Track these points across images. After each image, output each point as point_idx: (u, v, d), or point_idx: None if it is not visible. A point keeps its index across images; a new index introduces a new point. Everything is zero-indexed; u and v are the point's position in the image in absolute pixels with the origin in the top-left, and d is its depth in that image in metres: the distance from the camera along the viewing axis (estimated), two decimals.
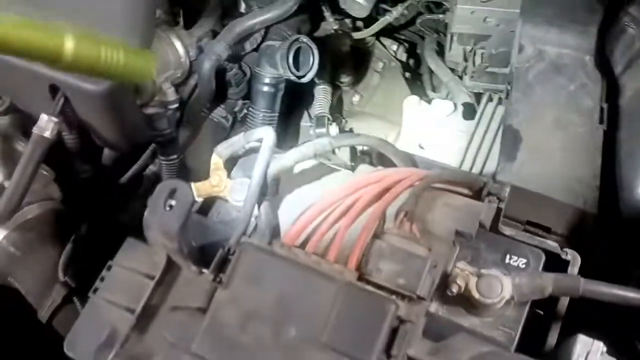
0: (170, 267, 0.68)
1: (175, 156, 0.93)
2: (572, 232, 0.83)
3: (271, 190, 0.67)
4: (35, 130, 0.80)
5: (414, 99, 1.17)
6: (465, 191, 0.68)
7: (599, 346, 0.60)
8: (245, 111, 1.14)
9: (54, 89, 0.81)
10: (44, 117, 0.81)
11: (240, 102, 1.13)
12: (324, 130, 1.13)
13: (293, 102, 1.17)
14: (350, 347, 0.54)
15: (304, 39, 0.94)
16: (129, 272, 0.70)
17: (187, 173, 0.97)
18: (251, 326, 0.58)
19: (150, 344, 0.64)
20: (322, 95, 1.17)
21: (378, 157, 0.70)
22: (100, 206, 0.95)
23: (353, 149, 0.70)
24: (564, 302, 0.65)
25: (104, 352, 0.65)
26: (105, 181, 0.99)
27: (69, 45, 0.29)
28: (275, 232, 0.64)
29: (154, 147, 0.96)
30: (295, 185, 0.69)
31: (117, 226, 0.95)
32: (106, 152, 0.96)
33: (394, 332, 0.55)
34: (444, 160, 1.04)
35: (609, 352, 0.61)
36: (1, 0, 0.81)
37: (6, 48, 0.28)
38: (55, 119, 0.81)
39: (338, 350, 0.55)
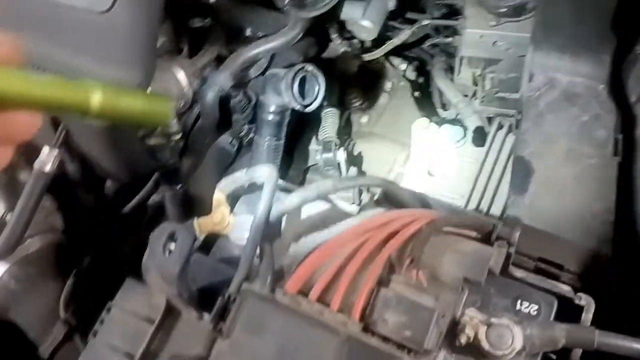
0: (170, 310, 0.66)
1: (178, 186, 0.92)
2: (585, 270, 0.80)
3: (274, 232, 0.65)
4: (36, 164, 0.79)
5: (423, 121, 1.15)
6: (474, 234, 0.65)
7: None
8: (251, 135, 1.12)
9: (55, 122, 0.80)
10: (45, 150, 0.80)
11: (246, 126, 1.12)
12: (330, 155, 1.11)
13: (300, 125, 1.16)
14: None
15: (310, 67, 0.92)
16: (128, 315, 0.68)
17: (191, 202, 0.96)
18: None
19: None
20: (329, 118, 1.15)
21: (384, 195, 0.68)
22: (103, 236, 0.93)
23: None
24: (577, 352, 0.63)
25: None
26: (108, 211, 0.98)
27: (96, 99, 0.30)
28: (278, 274, 0.62)
29: (157, 177, 0.95)
30: (299, 227, 0.67)
31: (119, 258, 0.94)
32: (109, 181, 0.94)
33: None
34: (453, 190, 1.02)
35: None
36: None
37: (38, 106, 0.30)
38: (56, 152, 0.80)
39: None
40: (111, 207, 0.95)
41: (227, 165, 1.11)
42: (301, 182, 1.14)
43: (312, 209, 0.68)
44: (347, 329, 0.56)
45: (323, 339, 0.55)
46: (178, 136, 0.87)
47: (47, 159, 0.79)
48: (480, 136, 1.08)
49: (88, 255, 0.89)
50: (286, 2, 0.81)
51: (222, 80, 0.85)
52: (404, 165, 1.21)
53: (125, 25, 0.75)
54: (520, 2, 1.03)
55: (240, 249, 0.73)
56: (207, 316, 0.65)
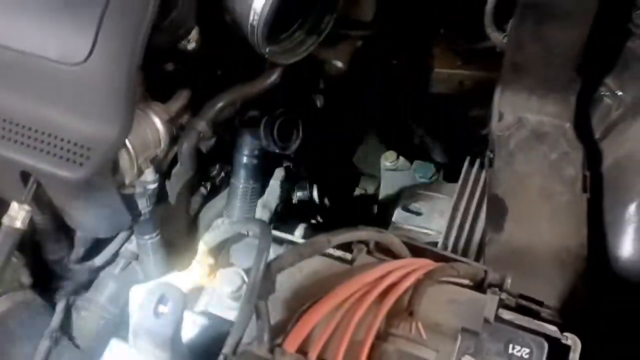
0: None
1: (154, 234, 0.89)
2: (565, 304, 0.83)
3: (268, 287, 0.63)
4: (5, 220, 0.75)
5: (391, 154, 1.18)
6: (466, 281, 0.66)
7: None
8: (222, 175, 1.11)
9: (25, 176, 0.76)
10: (14, 206, 0.76)
11: (217, 166, 1.11)
12: (306, 192, 1.11)
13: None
14: None
15: (288, 112, 0.92)
16: None
17: (165, 250, 0.93)
18: None
19: None
20: None
21: (375, 245, 0.68)
22: (74, 288, 0.89)
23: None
24: None
25: None
26: (78, 261, 0.94)
27: None
28: (275, 330, 0.61)
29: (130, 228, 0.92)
30: (293, 281, 0.66)
31: (93, 310, 0.90)
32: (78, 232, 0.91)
33: None
34: (431, 226, 1.04)
35: None
36: None
37: None
38: (27, 208, 0.76)
39: None
40: (82, 256, 0.91)
41: (199, 208, 1.09)
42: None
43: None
44: None
45: None
46: (154, 185, 0.84)
47: (17, 214, 0.76)
48: (452, 172, 1.11)
49: (60, 312, 0.84)
50: (268, 49, 0.80)
51: (201, 127, 0.83)
52: (375, 195, 1.23)
53: (102, 77, 0.73)
54: (482, 47, 1.07)
55: (228, 303, 0.71)
56: None
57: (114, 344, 0.68)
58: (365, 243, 0.68)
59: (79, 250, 0.93)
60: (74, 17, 0.73)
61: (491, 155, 0.96)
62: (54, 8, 0.74)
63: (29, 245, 0.89)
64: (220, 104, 0.86)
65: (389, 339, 0.60)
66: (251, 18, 0.77)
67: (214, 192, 1.12)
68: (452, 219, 0.98)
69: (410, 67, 1.18)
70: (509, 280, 0.66)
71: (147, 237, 0.89)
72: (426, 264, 0.65)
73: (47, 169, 0.73)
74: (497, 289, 0.65)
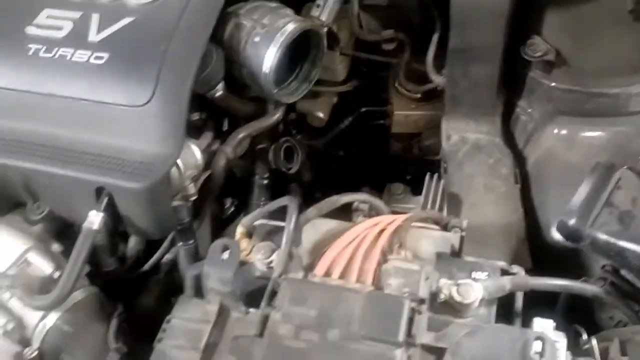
0: (223, 310, 0.86)
1: (192, 241, 1.12)
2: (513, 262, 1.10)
3: (297, 239, 0.88)
4: (85, 224, 0.97)
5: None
6: (436, 226, 0.93)
7: (550, 323, 0.83)
8: (233, 208, 1.36)
9: (99, 191, 0.99)
10: (92, 213, 0.98)
11: (229, 200, 1.36)
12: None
13: None
14: (382, 335, 0.74)
15: (290, 139, 1.22)
16: (187, 322, 0.86)
17: (199, 256, 1.15)
18: (303, 334, 0.76)
19: None
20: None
21: (368, 210, 0.95)
22: (130, 290, 1.10)
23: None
24: (519, 299, 0.89)
25: None
26: (126, 271, 1.15)
27: None
28: (305, 269, 0.85)
29: (172, 236, 1.15)
30: (313, 237, 0.91)
31: (145, 309, 1.10)
32: (131, 241, 1.13)
33: (410, 320, 0.76)
34: None
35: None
36: None
37: None
38: (101, 214, 0.98)
39: (373, 339, 0.75)
40: (135, 264, 1.13)
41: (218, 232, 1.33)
42: None
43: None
44: (366, 290, 0.80)
45: (350, 297, 0.78)
46: (194, 198, 1.09)
47: (95, 219, 0.97)
48: (416, 187, 1.39)
49: (119, 306, 1.04)
50: (275, 91, 1.11)
51: (228, 151, 1.11)
52: None
53: (161, 114, 0.97)
54: (428, 89, 1.41)
55: (261, 271, 0.95)
56: (252, 310, 0.85)
57: (182, 298, 0.90)
58: (362, 210, 0.95)
59: (129, 261, 1.14)
60: (138, 70, 1.00)
61: (445, 165, 1.26)
62: (122, 66, 1.01)
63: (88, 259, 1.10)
64: (241, 135, 1.14)
65: (387, 261, 0.85)
66: (264, 68, 1.07)
67: (227, 221, 1.37)
68: None
69: (376, 113, 1.51)
70: (465, 221, 0.93)
71: (188, 243, 1.12)
72: (405, 216, 0.92)
73: (119, 182, 0.96)
74: (458, 229, 0.92)
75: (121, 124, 1.00)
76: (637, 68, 1.11)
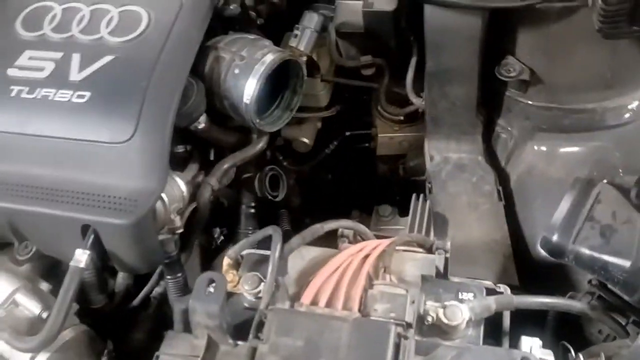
0: (211, 345, 0.86)
1: (180, 274, 1.12)
2: (499, 281, 1.10)
3: (283, 268, 0.89)
4: (72, 262, 0.97)
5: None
6: (420, 249, 0.94)
7: (537, 342, 0.84)
8: (222, 238, 1.37)
9: (85, 228, 0.99)
10: (79, 251, 0.98)
11: (217, 230, 1.37)
12: None
13: None
14: None
15: (275, 167, 1.23)
16: (174, 357, 0.86)
17: (187, 287, 1.15)
18: None
19: None
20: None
21: (353, 236, 0.96)
22: (119, 327, 1.09)
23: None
24: (507, 317, 0.89)
25: None
26: (116, 308, 1.15)
27: None
28: (292, 298, 0.85)
29: (160, 270, 1.15)
30: (299, 265, 0.92)
31: (135, 344, 1.10)
32: (119, 277, 1.13)
33: (397, 346, 0.76)
34: None
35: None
36: None
37: None
38: (88, 252, 0.98)
39: None
40: (124, 299, 1.12)
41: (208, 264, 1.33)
42: None
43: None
44: (352, 317, 0.80)
45: (337, 326, 0.78)
46: (180, 231, 1.10)
47: (81, 257, 0.97)
48: (403, 209, 1.41)
49: (111, 340, 1.04)
50: (257, 120, 1.12)
51: (213, 182, 1.12)
52: None
53: (144, 149, 0.98)
54: (410, 111, 1.44)
55: (249, 301, 0.95)
56: (240, 343, 0.85)
57: (170, 334, 0.90)
58: (346, 236, 0.96)
59: (117, 297, 1.14)
60: (120, 107, 1.01)
61: (430, 185, 1.28)
62: (103, 104, 1.02)
63: (77, 297, 1.10)
64: (225, 166, 1.15)
65: (373, 287, 0.86)
66: (245, 98, 1.09)
67: (216, 251, 1.37)
68: None
69: (360, 136, 1.53)
70: (449, 243, 0.94)
71: (176, 277, 1.12)
72: (389, 240, 0.93)
73: (104, 219, 0.97)
74: (442, 250, 0.93)
75: (105, 161, 1.01)
76: (610, 83, 1.13)
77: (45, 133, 1.02)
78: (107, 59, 1.07)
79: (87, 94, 1.03)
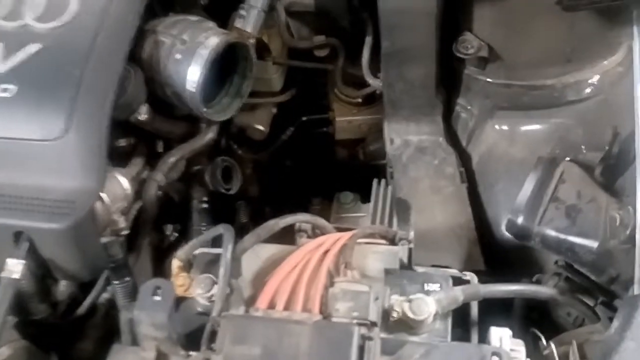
0: (160, 358, 0.79)
1: (128, 278, 1.04)
2: (465, 266, 1.07)
3: (237, 270, 0.82)
4: (4, 274, 0.88)
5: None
6: (383, 241, 0.89)
7: (507, 332, 0.80)
8: (175, 234, 1.29)
9: (17, 236, 0.91)
10: (11, 261, 0.89)
11: (170, 226, 1.29)
12: None
13: None
14: None
15: (227, 159, 1.15)
16: None
17: (136, 292, 1.07)
18: None
19: None
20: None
21: (311, 230, 0.90)
22: (64, 337, 1.01)
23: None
24: (474, 307, 0.86)
25: None
26: (60, 317, 1.06)
27: None
28: (247, 302, 0.79)
29: (107, 275, 1.06)
30: (254, 265, 0.85)
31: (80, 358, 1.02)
32: (61, 285, 1.04)
33: (361, 349, 0.71)
34: None
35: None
36: None
37: None
38: (22, 262, 0.90)
39: None
40: (63, 312, 1.04)
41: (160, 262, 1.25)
42: None
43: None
44: (312, 319, 0.74)
45: (296, 331, 0.72)
46: (126, 232, 1.01)
47: (15, 268, 0.89)
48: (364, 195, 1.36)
49: (55, 354, 0.95)
50: (204, 109, 1.04)
51: (159, 178, 1.04)
52: None
53: (78, 146, 0.90)
54: (367, 93, 1.38)
55: (203, 306, 0.88)
56: (193, 354, 0.78)
57: (116, 347, 0.82)
58: (305, 230, 0.90)
59: (61, 306, 1.05)
60: (50, 101, 0.92)
61: (391, 170, 1.23)
62: (32, 98, 0.93)
63: (15, 308, 1.01)
64: (172, 159, 1.07)
65: (334, 285, 0.80)
66: (188, 86, 1.01)
67: (169, 249, 1.29)
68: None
69: (317, 121, 1.47)
70: (412, 233, 0.89)
71: (123, 281, 1.04)
72: (350, 234, 0.87)
73: (38, 225, 0.89)
74: (405, 241, 0.88)
75: (36, 161, 0.92)
76: (569, 57, 1.10)
77: None
78: (34, 47, 0.97)
79: (13, 87, 0.94)
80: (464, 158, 1.22)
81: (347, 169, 1.52)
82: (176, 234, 1.29)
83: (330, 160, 1.54)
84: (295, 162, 1.60)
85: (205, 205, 1.18)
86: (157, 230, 1.26)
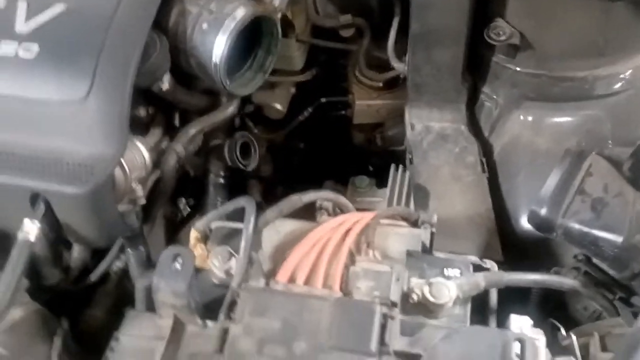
0: (177, 325, 0.78)
1: (143, 248, 1.03)
2: (483, 255, 1.06)
3: (256, 243, 0.81)
4: (20, 234, 0.87)
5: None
6: (404, 223, 0.87)
7: (527, 321, 0.79)
8: (188, 209, 1.28)
9: (34, 198, 0.90)
10: (27, 222, 0.88)
11: (183, 200, 1.27)
12: None
13: None
14: (352, 344, 0.68)
15: (246, 134, 1.14)
16: (137, 339, 0.78)
17: (152, 264, 1.07)
18: (267, 349, 0.69)
19: None
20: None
21: (332, 208, 0.89)
22: (76, 303, 1.01)
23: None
24: (494, 296, 0.84)
25: None
26: (72, 284, 1.05)
27: None
28: (267, 275, 0.78)
29: (120, 244, 1.05)
30: (274, 239, 0.84)
31: (93, 322, 1.01)
32: (75, 251, 1.03)
33: (383, 327, 0.70)
34: None
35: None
36: None
37: None
38: (38, 224, 0.89)
39: (343, 349, 0.68)
40: (81, 275, 1.03)
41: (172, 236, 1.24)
42: None
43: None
44: (334, 296, 0.73)
45: (317, 306, 0.71)
46: (142, 201, 1.00)
47: (30, 229, 0.88)
48: (380, 180, 1.34)
49: (66, 319, 0.95)
50: (228, 82, 1.02)
51: (178, 149, 1.02)
52: None
53: (100, 110, 0.88)
54: (389, 77, 1.36)
55: (218, 278, 0.87)
56: (210, 324, 0.77)
57: (131, 313, 0.81)
58: (326, 209, 0.89)
59: (74, 272, 1.05)
60: (73, 62, 0.91)
61: (410, 156, 1.21)
62: (54, 58, 0.92)
63: (28, 272, 1.00)
64: (193, 131, 1.05)
65: (355, 263, 0.79)
66: (214, 57, 0.99)
67: (182, 224, 1.28)
68: None
69: (336, 103, 1.45)
70: (435, 216, 0.88)
71: (136, 250, 1.03)
72: (372, 214, 0.86)
73: (56, 188, 0.87)
74: (428, 224, 0.87)
75: (56, 123, 0.90)
76: (602, 50, 1.08)
77: None
78: (58, 8, 0.95)
79: (36, 47, 0.92)
80: (485, 148, 1.20)
81: (362, 154, 1.50)
82: (189, 209, 1.28)
83: (346, 144, 1.52)
84: (311, 144, 1.58)
85: (221, 181, 1.16)
86: (171, 204, 1.25)
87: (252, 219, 0.78)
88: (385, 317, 0.71)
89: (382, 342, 0.69)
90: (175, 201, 1.26)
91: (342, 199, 0.88)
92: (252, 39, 1.10)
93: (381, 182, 1.34)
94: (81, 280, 1.06)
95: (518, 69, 1.13)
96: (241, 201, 0.84)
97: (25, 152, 0.89)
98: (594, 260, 0.93)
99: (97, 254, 1.09)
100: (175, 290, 0.75)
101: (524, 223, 1.09)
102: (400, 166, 1.32)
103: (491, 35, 1.07)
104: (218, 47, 0.99)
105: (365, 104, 1.38)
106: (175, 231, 1.25)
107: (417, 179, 1.16)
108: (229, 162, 1.12)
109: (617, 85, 1.10)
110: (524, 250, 1.09)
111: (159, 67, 1.00)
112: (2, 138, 0.90)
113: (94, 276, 1.05)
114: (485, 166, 1.17)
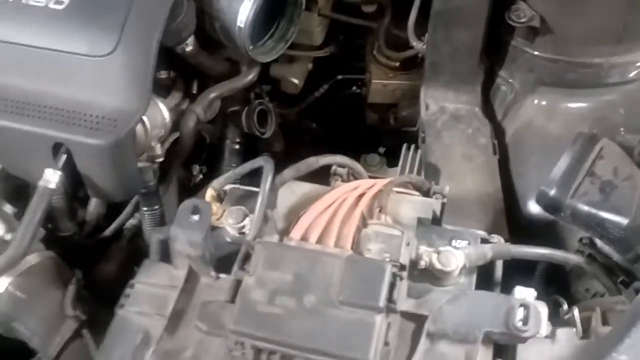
0: (191, 275, 0.80)
1: (157, 206, 1.05)
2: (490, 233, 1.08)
3: (272, 201, 0.83)
4: (41, 182, 0.89)
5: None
6: (416, 192, 0.89)
7: (532, 292, 0.81)
8: (201, 176, 1.30)
9: (56, 148, 0.92)
10: (49, 171, 0.90)
11: (197, 167, 1.30)
12: None
13: None
14: (361, 300, 0.71)
15: (264, 101, 1.15)
16: (151, 287, 0.80)
17: (164, 220, 1.09)
18: (278, 300, 0.72)
19: (185, 336, 0.75)
20: None
21: (347, 175, 0.91)
22: (90, 256, 1.03)
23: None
24: (499, 268, 0.86)
25: (141, 352, 0.74)
26: (86, 237, 1.08)
27: None
28: (280, 233, 0.80)
29: (134, 202, 1.08)
30: (289, 200, 0.86)
31: (103, 278, 1.04)
32: (91, 205, 1.05)
33: (392, 285, 0.72)
34: None
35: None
36: None
37: None
38: (59, 172, 0.91)
39: (352, 304, 0.71)
40: (95, 230, 1.06)
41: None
42: None
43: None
44: (345, 254, 0.75)
45: (328, 262, 0.74)
46: (161, 159, 1.02)
47: (52, 177, 0.90)
48: (392, 159, 1.36)
49: (80, 271, 0.97)
50: (251, 47, 1.04)
51: (198, 110, 1.04)
52: None
53: (125, 65, 0.90)
54: (408, 56, 1.37)
55: (232, 237, 0.89)
56: (223, 276, 0.80)
57: (147, 262, 0.84)
58: (340, 175, 0.91)
59: (88, 227, 1.07)
60: (102, 16, 0.92)
61: (423, 135, 1.23)
62: (84, 12, 0.93)
63: (45, 222, 1.02)
64: (212, 95, 1.07)
65: (367, 226, 0.81)
66: (238, 21, 1.01)
67: (195, 189, 1.30)
68: None
69: (352, 81, 1.46)
70: (447, 187, 0.90)
71: (152, 208, 1.05)
72: (386, 180, 0.88)
73: (79, 138, 0.89)
74: (440, 195, 0.89)
75: (82, 75, 0.92)
76: (621, 37, 1.09)
77: (17, 40, 0.93)
78: None
79: None
80: (498, 131, 1.22)
81: (375, 133, 1.52)
82: (201, 175, 1.30)
83: (359, 122, 1.54)
84: (324, 121, 1.60)
85: (237, 147, 1.18)
86: (186, 169, 1.27)
87: (270, 177, 0.80)
88: (394, 276, 0.73)
89: (390, 299, 0.71)
90: (189, 167, 1.28)
91: (358, 166, 0.90)
92: (275, 8, 1.12)
93: (392, 162, 1.36)
94: (95, 234, 1.09)
95: (536, 52, 1.14)
96: (260, 161, 0.86)
97: (51, 103, 0.91)
98: (598, 244, 0.95)
99: (111, 212, 1.12)
100: (192, 240, 0.78)
101: (532, 206, 1.10)
102: (413, 145, 1.34)
103: (512, 17, 1.08)
104: (243, 12, 1.01)
105: (381, 84, 1.40)
106: (187, 195, 1.27)
107: (429, 158, 1.18)
108: (245, 129, 1.14)
109: (633, 74, 1.11)
110: (530, 233, 1.10)
111: (185, 27, 1.01)
112: (28, 88, 0.92)
113: (108, 231, 1.08)
114: (496, 148, 1.18)
